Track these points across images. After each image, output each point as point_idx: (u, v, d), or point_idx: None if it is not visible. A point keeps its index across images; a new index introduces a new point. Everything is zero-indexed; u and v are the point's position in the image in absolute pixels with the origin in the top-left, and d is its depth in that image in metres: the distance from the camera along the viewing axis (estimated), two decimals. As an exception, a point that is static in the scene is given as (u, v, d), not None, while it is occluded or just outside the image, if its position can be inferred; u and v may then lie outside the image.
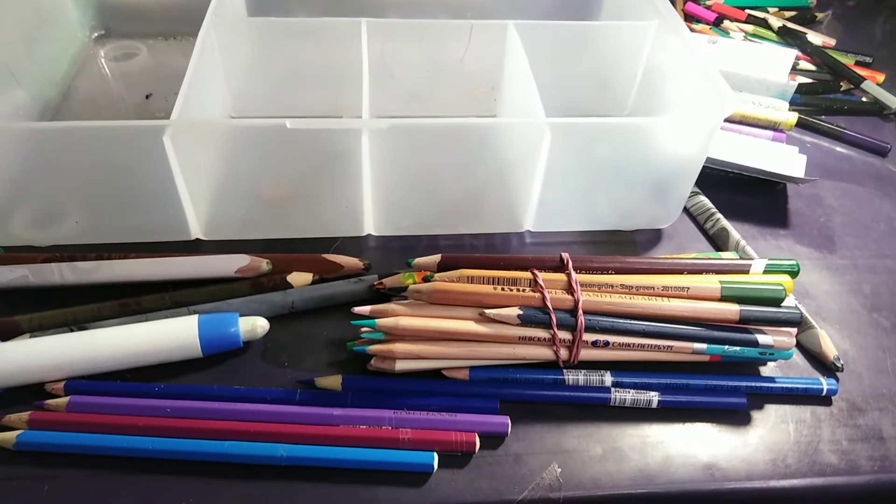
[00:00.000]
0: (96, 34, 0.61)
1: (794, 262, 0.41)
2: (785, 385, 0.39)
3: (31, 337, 0.38)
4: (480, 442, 0.36)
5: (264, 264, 0.42)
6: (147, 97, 0.55)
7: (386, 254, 0.46)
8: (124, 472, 0.34)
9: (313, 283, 0.42)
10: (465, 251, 0.47)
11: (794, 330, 0.39)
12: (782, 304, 0.39)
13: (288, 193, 0.44)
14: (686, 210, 0.50)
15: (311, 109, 0.53)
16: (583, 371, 0.39)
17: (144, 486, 0.34)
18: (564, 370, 0.39)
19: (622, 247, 0.48)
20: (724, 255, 0.45)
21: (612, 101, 0.56)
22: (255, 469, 0.34)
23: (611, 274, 0.40)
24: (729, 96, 0.41)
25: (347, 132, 0.40)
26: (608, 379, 0.38)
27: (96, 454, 0.34)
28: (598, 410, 0.38)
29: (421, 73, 0.53)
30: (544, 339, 0.37)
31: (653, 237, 0.49)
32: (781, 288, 0.39)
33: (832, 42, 0.69)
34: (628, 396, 0.38)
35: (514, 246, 0.48)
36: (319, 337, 0.41)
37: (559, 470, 0.36)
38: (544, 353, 0.38)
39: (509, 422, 0.36)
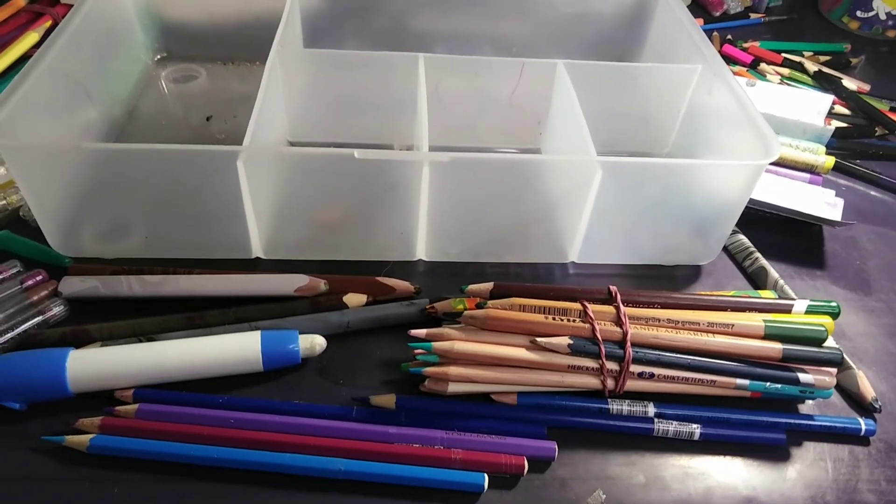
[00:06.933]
0: (159, 56, 0.64)
1: (835, 304, 0.42)
2: (823, 423, 0.40)
3: (101, 345, 0.40)
4: (528, 465, 0.37)
5: (322, 284, 0.44)
6: (208, 119, 0.57)
7: (435, 278, 0.48)
8: (189, 478, 0.36)
9: (367, 304, 0.44)
10: (510, 279, 0.48)
11: (834, 370, 0.40)
12: (823, 345, 0.40)
13: (341, 217, 0.46)
14: (725, 248, 0.52)
15: (363, 136, 0.55)
16: (627, 401, 0.40)
17: (208, 492, 0.36)
18: (609, 399, 0.40)
19: (662, 281, 0.49)
20: (762, 293, 0.46)
21: (653, 139, 0.58)
22: (313, 481, 0.36)
23: (657, 308, 0.41)
24: (774, 142, 0.43)
25: (410, 163, 0.42)
26: (651, 410, 0.40)
27: (163, 460, 0.36)
28: (642, 440, 0.40)
29: (471, 106, 0.55)
30: (592, 368, 0.39)
31: (692, 273, 0.50)
32: (824, 328, 0.40)
33: (866, 88, 0.71)
34: (671, 428, 0.39)
35: (557, 276, 0.49)
36: (372, 356, 0.42)
37: (604, 496, 0.37)
38: (591, 382, 0.39)
39: (556, 447, 0.38)
